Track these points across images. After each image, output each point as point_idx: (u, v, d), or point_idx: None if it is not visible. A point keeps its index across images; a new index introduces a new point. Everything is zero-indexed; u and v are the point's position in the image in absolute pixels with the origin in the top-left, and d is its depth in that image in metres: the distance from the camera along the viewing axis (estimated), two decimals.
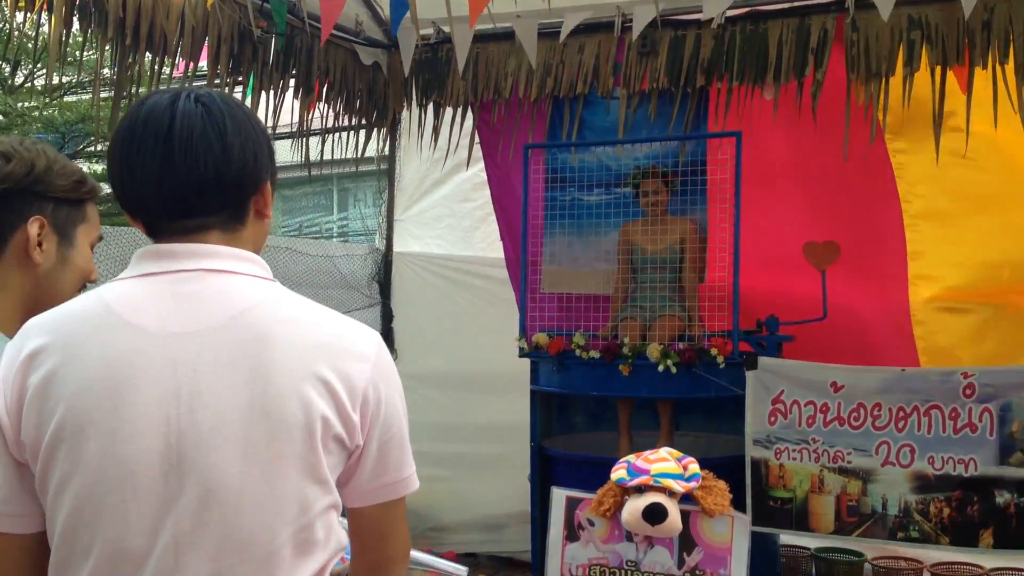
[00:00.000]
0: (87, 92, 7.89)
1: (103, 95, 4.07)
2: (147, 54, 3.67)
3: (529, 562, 4.03)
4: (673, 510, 1.70)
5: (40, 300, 1.48)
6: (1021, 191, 4.03)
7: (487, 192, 4.99)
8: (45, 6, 3.29)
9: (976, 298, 4.11)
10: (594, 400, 4.31)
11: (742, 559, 1.68)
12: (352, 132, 4.94)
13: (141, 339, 1.18)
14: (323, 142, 4.81)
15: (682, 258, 4.05)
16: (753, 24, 4.14)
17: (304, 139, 4.65)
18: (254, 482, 1.16)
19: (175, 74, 4.03)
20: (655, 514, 1.68)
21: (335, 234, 11.73)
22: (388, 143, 5.29)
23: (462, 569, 2.14)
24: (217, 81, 3.92)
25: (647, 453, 1.78)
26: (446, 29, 4.37)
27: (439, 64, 4.79)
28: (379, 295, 5.40)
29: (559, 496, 1.85)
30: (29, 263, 1.52)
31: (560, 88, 4.54)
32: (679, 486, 1.71)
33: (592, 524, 1.82)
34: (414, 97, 4.89)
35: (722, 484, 1.69)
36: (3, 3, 3.48)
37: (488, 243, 5.08)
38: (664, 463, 1.74)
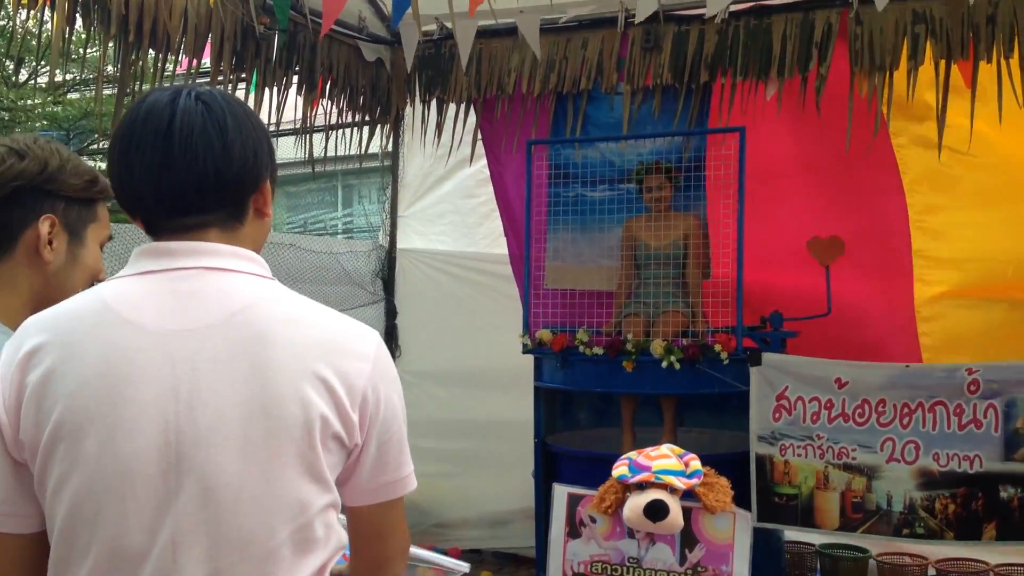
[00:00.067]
0: (91, 89, 7.91)
1: (106, 92, 4.08)
2: (150, 51, 3.67)
3: (534, 558, 4.03)
4: (675, 507, 1.70)
5: (49, 298, 1.48)
6: None
7: (491, 188, 4.98)
8: (48, 3, 3.29)
9: (981, 294, 4.10)
10: (598, 396, 4.31)
11: (744, 555, 1.67)
12: (355, 129, 4.94)
13: (140, 337, 1.17)
14: (326, 139, 4.81)
15: (686, 254, 4.04)
16: (757, 19, 4.13)
17: (307, 136, 4.65)
18: (253, 480, 1.16)
19: (178, 71, 4.03)
20: (656, 511, 1.67)
21: (339, 231, 11.74)
22: (391, 139, 5.29)
23: (464, 565, 2.14)
24: (220, 78, 3.92)
25: (648, 450, 1.77)
26: (449, 25, 4.37)
27: (442, 60, 4.78)
28: (383, 292, 5.40)
29: (560, 493, 1.85)
30: (39, 261, 1.52)
31: (564, 84, 4.53)
32: (680, 483, 1.70)
33: (594, 521, 1.82)
34: (417, 93, 4.88)
35: (724, 481, 1.69)
36: (6, 0, 3.48)
37: (492, 239, 5.08)
38: (665, 460, 1.74)
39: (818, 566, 4.14)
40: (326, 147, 4.82)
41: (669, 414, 3.94)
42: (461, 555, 4.95)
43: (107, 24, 3.43)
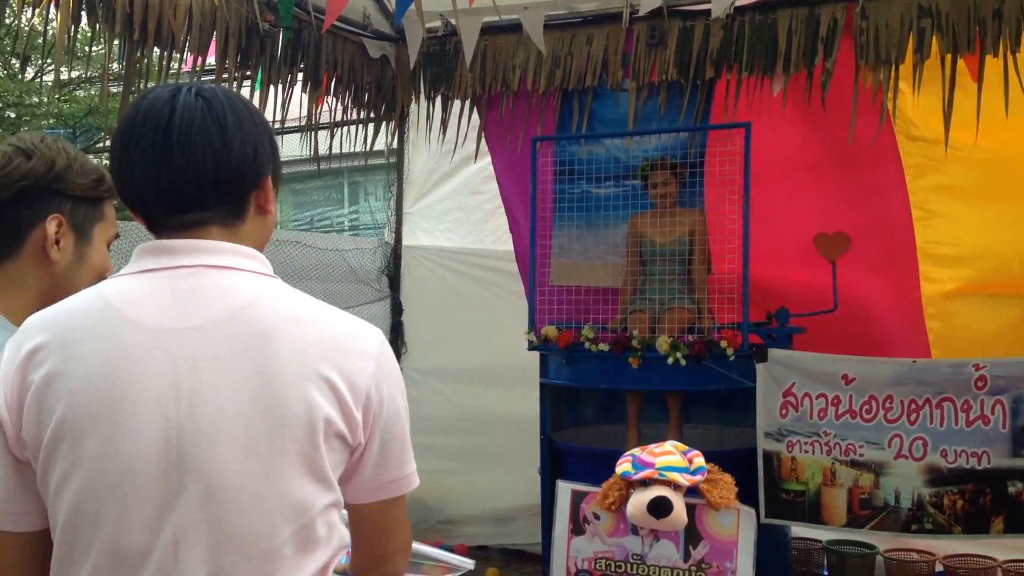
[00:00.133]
0: (96, 87, 7.92)
1: (112, 90, 4.08)
2: (155, 49, 3.68)
3: (540, 554, 4.03)
4: (678, 503, 1.69)
5: (56, 297, 1.48)
6: None
7: (496, 185, 4.98)
8: (53, 2, 3.30)
9: (988, 290, 4.08)
10: (604, 393, 4.30)
11: (748, 552, 1.67)
12: (361, 125, 4.94)
13: (141, 335, 1.17)
14: (331, 136, 4.81)
15: (691, 250, 4.03)
16: (762, 14, 4.12)
17: (313, 133, 4.66)
18: (255, 479, 1.15)
19: (184, 69, 4.03)
20: (660, 507, 1.67)
21: (346, 228, 11.75)
22: (396, 136, 5.29)
23: (468, 562, 2.14)
24: (225, 76, 3.92)
25: (652, 446, 1.77)
26: (453, 21, 4.36)
27: (447, 57, 4.78)
28: (388, 289, 5.40)
29: (564, 489, 1.84)
30: (46, 261, 1.53)
31: (569, 80, 4.52)
32: (684, 479, 1.70)
33: (597, 518, 1.81)
34: (422, 90, 4.88)
35: (728, 477, 1.68)
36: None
37: (497, 236, 5.07)
38: (669, 456, 1.73)
39: (825, 562, 4.14)
40: (331, 144, 4.82)
41: (675, 410, 3.94)
42: (467, 551, 4.96)
43: (112, 22, 3.43)
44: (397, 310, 5.38)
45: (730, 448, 3.91)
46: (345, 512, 1.33)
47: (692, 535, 1.72)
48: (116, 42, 3.56)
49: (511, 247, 4.92)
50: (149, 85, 3.66)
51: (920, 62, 3.80)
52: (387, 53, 4.84)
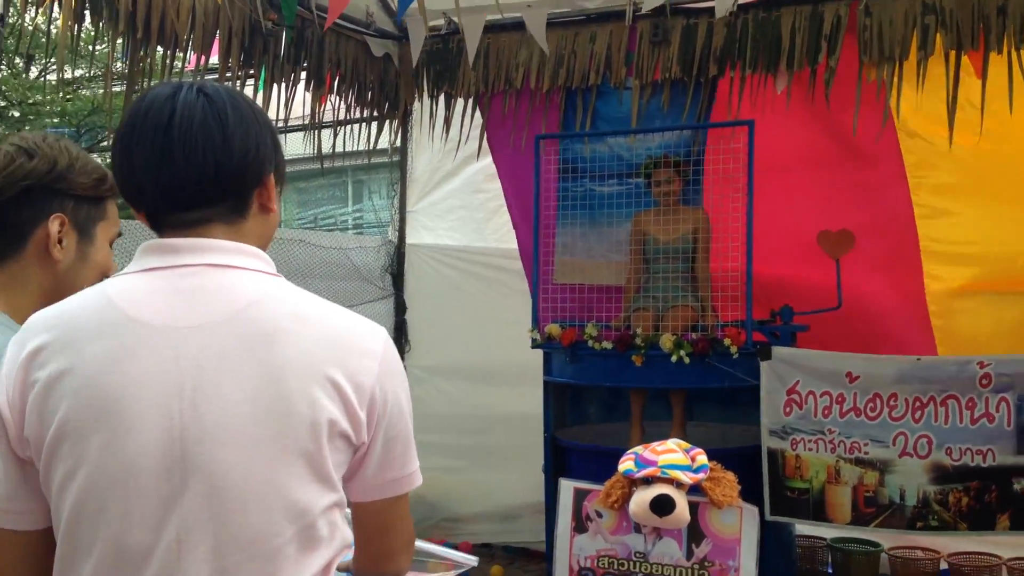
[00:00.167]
0: (100, 86, 7.94)
1: (116, 89, 4.09)
2: (159, 48, 3.68)
3: (544, 552, 4.03)
4: (681, 501, 1.69)
5: (59, 296, 1.48)
6: None
7: (499, 184, 4.98)
8: (56, 1, 3.30)
9: (993, 288, 4.07)
10: (607, 391, 4.30)
11: (751, 550, 1.67)
12: (364, 124, 4.94)
13: (144, 334, 1.17)
14: (335, 134, 4.81)
15: (695, 248, 4.02)
16: (766, 12, 4.11)
17: (316, 132, 4.66)
18: (258, 478, 1.15)
19: (187, 68, 4.04)
20: (663, 505, 1.67)
21: (350, 226, 11.74)
22: (400, 135, 5.29)
23: (472, 559, 2.14)
24: (229, 75, 3.92)
25: (655, 444, 1.77)
26: (456, 20, 4.36)
27: (450, 55, 4.78)
28: (392, 287, 5.41)
29: (567, 487, 1.84)
30: (49, 260, 1.53)
31: (572, 79, 4.52)
32: (687, 477, 1.70)
33: (600, 515, 1.81)
34: (425, 88, 4.88)
35: (730, 475, 1.68)
36: None
37: (501, 234, 5.07)
38: (672, 454, 1.73)
39: (829, 560, 4.13)
40: (334, 143, 4.82)
41: (678, 408, 3.93)
42: (472, 549, 4.96)
43: (115, 21, 3.44)
44: (401, 308, 5.39)
45: (733, 446, 3.91)
46: (348, 510, 1.33)
47: (695, 533, 1.72)
48: (119, 41, 3.57)
49: (514, 245, 4.92)
50: (153, 84, 3.66)
51: (924, 59, 3.79)
52: (390, 51, 4.84)
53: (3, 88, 8.38)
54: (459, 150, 4.90)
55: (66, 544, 1.17)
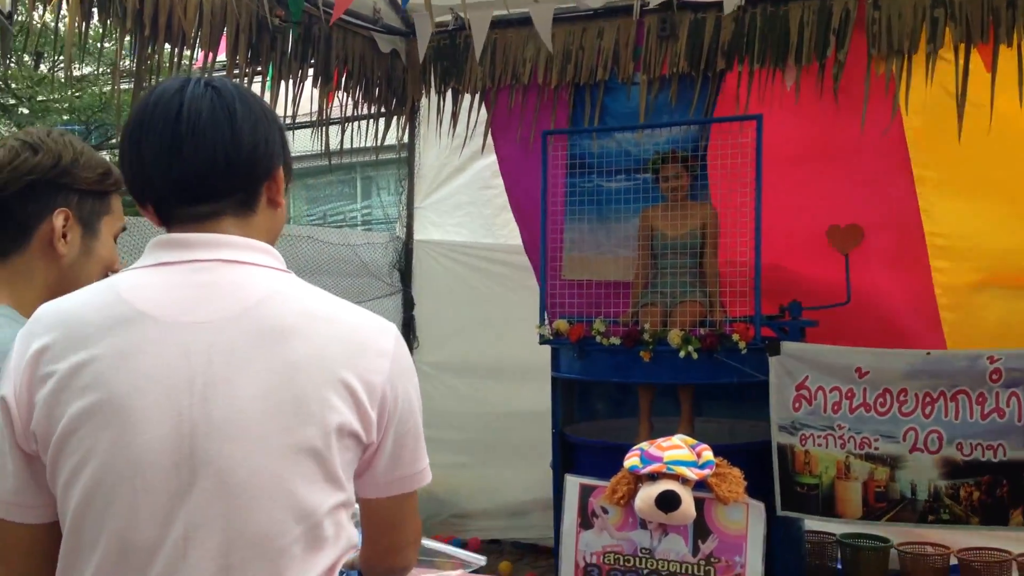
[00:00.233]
0: (109, 84, 7.96)
1: (124, 87, 4.10)
2: (166, 45, 3.69)
3: (553, 548, 4.02)
4: (687, 497, 1.68)
5: (64, 291, 1.48)
6: None
7: None
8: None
9: (1002, 282, 4.04)
10: (615, 387, 4.29)
11: (757, 546, 1.66)
12: (371, 120, 4.95)
13: (154, 328, 1.16)
14: (342, 131, 4.82)
15: (703, 243, 4.01)
16: (774, 6, 4.10)
17: (324, 128, 4.66)
18: (266, 476, 1.14)
19: (195, 66, 4.04)
20: (668, 501, 1.66)
21: (359, 222, 11.74)
22: (407, 131, 5.29)
23: (480, 559, 2.14)
24: (236, 72, 3.93)
25: (660, 440, 1.76)
26: (463, 15, 4.36)
27: (457, 51, 4.78)
28: (400, 283, 5.41)
29: (572, 483, 1.84)
30: (53, 254, 1.53)
31: (580, 74, 4.51)
32: (692, 473, 1.69)
33: (606, 512, 1.81)
34: (432, 84, 4.88)
35: (736, 471, 1.68)
36: None
37: (508, 230, 5.07)
38: (677, 450, 1.72)
39: (839, 556, 4.12)
40: (342, 139, 4.82)
41: (686, 404, 3.93)
42: (480, 545, 4.97)
43: (123, 18, 3.45)
44: (409, 304, 5.39)
45: (742, 442, 3.90)
46: (357, 506, 1.32)
47: (701, 529, 1.72)
48: (127, 39, 3.58)
49: (521, 241, 4.92)
50: (160, 81, 3.66)
51: (933, 52, 3.77)
52: (397, 47, 4.84)
53: (12, 85, 8.41)
54: (466, 146, 4.90)
55: (71, 539, 1.17)
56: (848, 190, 4.21)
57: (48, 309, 1.22)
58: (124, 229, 1.67)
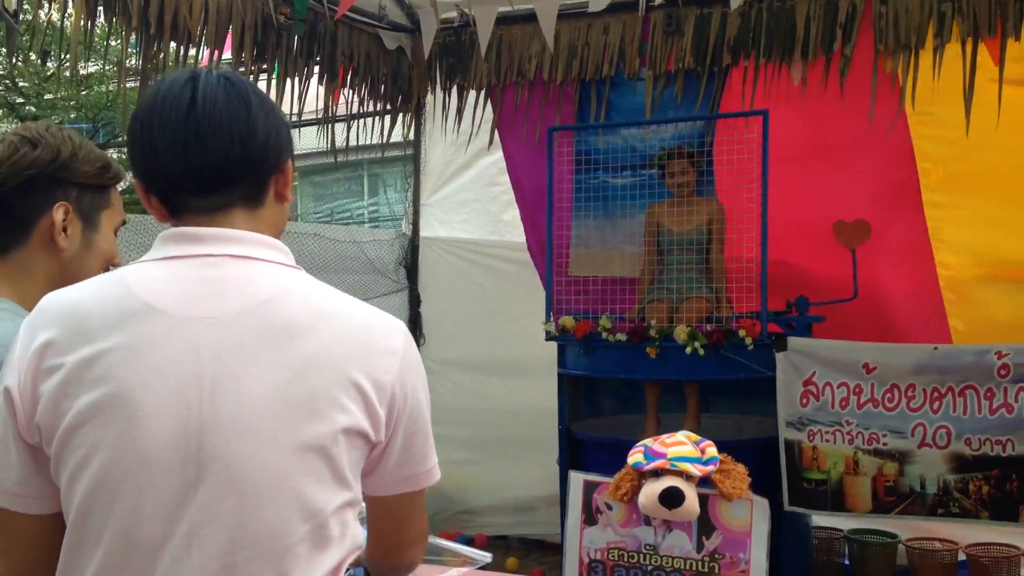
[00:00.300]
0: (115, 82, 7.98)
1: (129, 85, 4.10)
2: (172, 43, 3.69)
3: (559, 544, 4.02)
4: (690, 494, 1.68)
5: (65, 284, 1.49)
6: None
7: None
8: None
9: (1009, 276, 4.02)
10: (622, 383, 4.28)
11: (761, 542, 1.66)
12: (377, 117, 4.95)
13: (163, 323, 1.15)
14: (348, 128, 4.82)
15: (709, 239, 4.01)
16: (780, 1, 4.08)
17: (330, 125, 4.66)
18: (273, 474, 1.13)
19: (201, 65, 4.05)
20: (672, 498, 1.66)
21: (366, 220, 11.76)
22: (413, 128, 5.29)
23: (486, 556, 2.14)
24: (242, 69, 3.93)
25: (664, 437, 1.76)
26: (468, 11, 4.36)
27: (463, 47, 4.77)
28: (406, 280, 5.41)
29: (576, 480, 1.84)
30: (54, 248, 1.54)
31: (586, 70, 4.50)
32: (696, 470, 1.69)
33: (610, 508, 1.81)
34: (438, 81, 4.88)
35: (740, 467, 1.67)
36: None
37: (514, 227, 5.06)
38: (681, 447, 1.72)
39: (846, 551, 4.11)
40: (347, 136, 4.83)
41: (692, 400, 3.92)
42: (487, 541, 4.97)
43: (128, 16, 3.45)
44: (415, 301, 5.39)
45: (748, 438, 3.89)
46: (363, 505, 1.32)
47: (705, 525, 1.72)
48: (133, 37, 3.58)
49: (525, 239, 4.91)
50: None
51: (940, 46, 3.75)
52: (403, 44, 4.84)
53: (19, 83, 8.44)
54: (471, 142, 4.89)
55: (75, 534, 1.16)
56: (854, 185, 4.19)
57: (54, 300, 1.21)
58: (124, 223, 1.67)
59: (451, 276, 5.31)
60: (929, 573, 3.87)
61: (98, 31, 3.65)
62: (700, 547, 1.70)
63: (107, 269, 1.59)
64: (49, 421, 1.15)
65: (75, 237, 1.56)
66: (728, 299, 3.90)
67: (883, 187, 4.15)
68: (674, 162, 4.05)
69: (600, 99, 4.56)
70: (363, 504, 1.33)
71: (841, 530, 4.14)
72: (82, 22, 3.34)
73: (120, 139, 8.97)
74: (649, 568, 1.74)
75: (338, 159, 4.89)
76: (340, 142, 4.78)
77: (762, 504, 1.66)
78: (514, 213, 5.05)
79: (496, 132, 4.85)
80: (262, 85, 4.09)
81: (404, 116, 5.12)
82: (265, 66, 4.12)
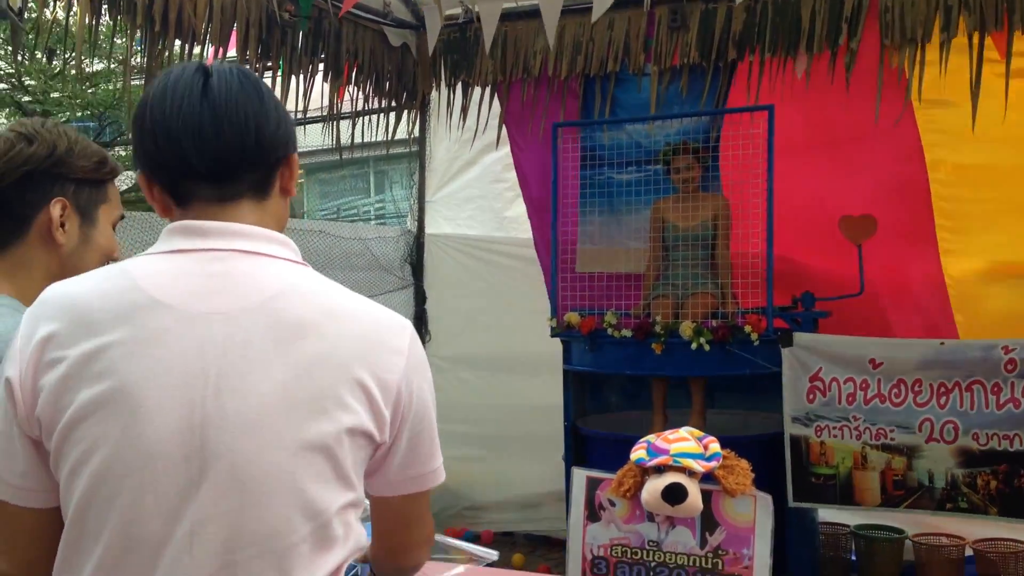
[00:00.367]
0: (119, 79, 7.98)
1: (134, 83, 4.11)
2: (176, 41, 3.70)
3: (565, 540, 4.03)
4: (693, 490, 1.68)
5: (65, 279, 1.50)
6: None
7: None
8: None
9: (1016, 271, 4.00)
10: (628, 379, 4.28)
11: (765, 538, 1.66)
12: (382, 114, 4.95)
13: (169, 317, 1.13)
14: (353, 125, 4.82)
15: (715, 235, 4.00)
16: None
17: (335, 122, 4.66)
18: (277, 473, 1.12)
19: (207, 63, 4.04)
20: (675, 494, 1.66)
21: (372, 217, 11.76)
22: (418, 124, 5.29)
23: (492, 554, 2.14)
24: (246, 66, 3.93)
25: (667, 433, 1.76)
26: (473, 8, 4.35)
27: (467, 44, 4.77)
28: (412, 277, 5.42)
29: (579, 476, 1.84)
30: (52, 244, 1.54)
31: (591, 66, 4.49)
32: (699, 466, 1.68)
33: (613, 504, 1.81)
34: (443, 77, 4.87)
35: (744, 463, 1.67)
36: None
37: (519, 224, 5.06)
38: (684, 443, 1.72)
39: (853, 547, 4.11)
40: (352, 133, 4.83)
41: (698, 396, 3.92)
42: (493, 537, 4.98)
43: (133, 14, 3.46)
44: (420, 298, 5.40)
45: (754, 433, 3.89)
46: (367, 503, 1.31)
47: (708, 522, 1.71)
48: (137, 35, 3.59)
49: (532, 237, 4.91)
50: None
51: (947, 40, 3.73)
52: (408, 41, 4.84)
53: (26, 81, 8.44)
54: (476, 139, 4.89)
55: (74, 530, 1.14)
56: (860, 180, 4.18)
57: (56, 292, 1.20)
58: (122, 217, 1.67)
59: (456, 273, 5.31)
60: (936, 568, 3.86)
61: (103, 29, 3.65)
62: (703, 543, 1.70)
63: (106, 264, 1.59)
64: (50, 415, 1.13)
65: (73, 232, 1.56)
66: (734, 295, 3.90)
67: (891, 182, 4.14)
68: (679, 158, 4.05)
69: (605, 95, 4.55)
70: (367, 503, 1.32)
71: (848, 526, 4.13)
72: (87, 20, 3.34)
73: (126, 136, 8.97)
74: (652, 564, 1.74)
75: (343, 156, 4.89)
76: (345, 139, 4.78)
77: (765, 500, 1.66)
78: (519, 210, 5.05)
79: (504, 129, 4.84)
80: (267, 82, 4.08)
81: (409, 113, 5.11)
82: (270, 63, 4.12)
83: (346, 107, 4.76)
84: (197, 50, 3.74)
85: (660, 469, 1.72)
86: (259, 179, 1.24)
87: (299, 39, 4.15)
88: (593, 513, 1.83)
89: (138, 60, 3.74)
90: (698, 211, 3.99)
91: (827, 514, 4.05)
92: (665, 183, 4.15)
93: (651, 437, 1.78)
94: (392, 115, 4.99)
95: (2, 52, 8.25)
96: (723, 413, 4.12)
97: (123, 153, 8.38)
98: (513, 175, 5.01)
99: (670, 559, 1.72)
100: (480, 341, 5.13)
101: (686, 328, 3.73)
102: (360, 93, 4.72)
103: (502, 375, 5.03)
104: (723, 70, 4.27)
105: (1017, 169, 3.92)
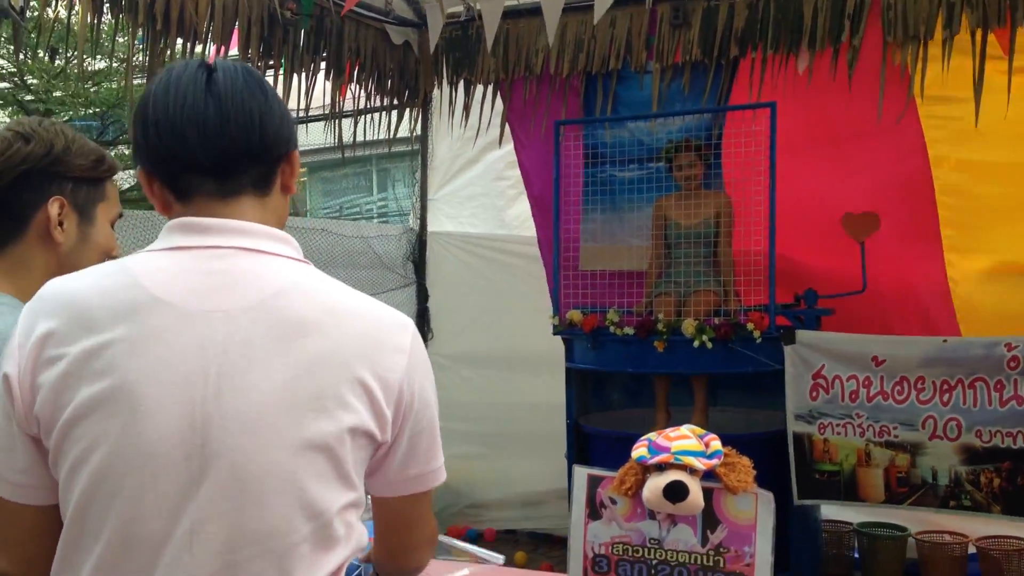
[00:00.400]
0: (121, 77, 7.98)
1: (136, 82, 4.11)
2: (178, 39, 3.70)
3: (567, 538, 4.02)
4: (694, 488, 1.67)
5: None
6: None
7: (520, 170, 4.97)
8: None
9: (1019, 268, 4.00)
10: (630, 377, 4.28)
11: (767, 536, 1.65)
12: (384, 112, 4.95)
13: (170, 315, 1.13)
14: (355, 123, 4.82)
15: (717, 232, 4.00)
16: None
17: (337, 121, 4.66)
18: (278, 472, 1.12)
19: (208, 61, 4.04)
20: (676, 492, 1.65)
21: (375, 215, 11.75)
22: (420, 123, 5.29)
23: (498, 557, 2.13)
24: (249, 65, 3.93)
25: (668, 431, 1.75)
26: (475, 5, 4.35)
27: (469, 42, 4.76)
28: (414, 275, 5.42)
29: (580, 474, 1.83)
30: (51, 242, 1.54)
31: (593, 64, 4.49)
32: (700, 463, 1.68)
33: (614, 502, 1.80)
34: (445, 75, 4.87)
35: (745, 461, 1.66)
36: None
37: (521, 222, 5.06)
38: (685, 440, 1.71)
39: (856, 545, 4.10)
40: (355, 132, 4.82)
41: (700, 394, 3.91)
42: (496, 535, 4.98)
43: (134, 13, 3.46)
44: (423, 296, 5.40)
45: (757, 431, 3.89)
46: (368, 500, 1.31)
47: (710, 519, 1.71)
48: (139, 33, 3.59)
49: (535, 232, 4.90)
50: None
51: (950, 37, 3.73)
52: (409, 39, 4.83)
53: (28, 80, 8.44)
54: (479, 137, 4.89)
55: (73, 528, 1.14)
56: (863, 177, 4.17)
57: (55, 288, 1.18)
58: (121, 215, 1.67)
59: (459, 271, 5.31)
60: (939, 566, 3.86)
61: (105, 28, 3.65)
62: (705, 541, 1.69)
63: (104, 261, 1.59)
64: (49, 413, 1.13)
65: (71, 231, 1.56)
66: (736, 292, 3.90)
67: (893, 179, 4.13)
68: (681, 155, 4.04)
69: (607, 93, 4.54)
70: (369, 499, 1.32)
71: (851, 523, 4.13)
72: (89, 18, 3.34)
73: (128, 135, 8.95)
74: (654, 562, 1.73)
75: (346, 155, 4.89)
76: (347, 138, 4.78)
77: (767, 497, 1.65)
78: (521, 207, 5.05)
79: (506, 127, 4.84)
80: (269, 81, 4.08)
81: (411, 111, 5.11)
82: (272, 62, 4.12)
83: (348, 105, 4.76)
84: (199, 49, 3.75)
85: (661, 467, 1.72)
86: (261, 175, 1.23)
87: (301, 37, 4.15)
88: (594, 511, 1.82)
89: (140, 59, 3.74)
90: (700, 209, 3.99)
91: (830, 512, 4.05)
92: (667, 181, 4.15)
93: (652, 435, 1.78)
94: (394, 113, 4.99)
95: (4, 51, 8.25)
96: (725, 411, 4.12)
97: (125, 152, 8.37)
98: (515, 173, 5.00)
99: (671, 557, 1.71)
100: (482, 339, 5.13)
101: (688, 326, 3.73)
102: (362, 91, 4.72)
103: (504, 373, 5.03)
104: (725, 67, 4.26)
105: (1020, 166, 3.91)
